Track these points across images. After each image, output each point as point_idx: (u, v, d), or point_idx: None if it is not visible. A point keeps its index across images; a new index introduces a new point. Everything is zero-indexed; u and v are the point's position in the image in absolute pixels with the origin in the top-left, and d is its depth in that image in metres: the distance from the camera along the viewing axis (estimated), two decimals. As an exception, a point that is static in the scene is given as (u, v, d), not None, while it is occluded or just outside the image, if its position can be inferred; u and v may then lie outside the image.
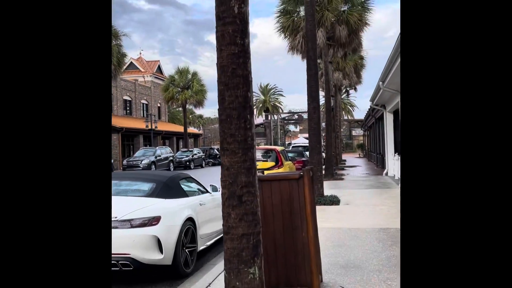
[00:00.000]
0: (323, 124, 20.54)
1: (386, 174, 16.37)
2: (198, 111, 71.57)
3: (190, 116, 68.43)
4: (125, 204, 4.42)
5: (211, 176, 11.66)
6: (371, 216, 7.46)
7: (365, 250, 5.09)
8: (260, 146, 15.52)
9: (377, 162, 22.90)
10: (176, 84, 34.81)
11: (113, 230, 3.71)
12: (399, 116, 12.23)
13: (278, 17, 15.35)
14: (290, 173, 3.67)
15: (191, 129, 52.95)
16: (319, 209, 8.72)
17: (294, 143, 29.78)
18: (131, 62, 38.90)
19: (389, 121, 16.17)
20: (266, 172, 10.75)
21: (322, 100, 18.72)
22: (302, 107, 53.37)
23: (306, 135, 17.31)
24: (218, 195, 5.22)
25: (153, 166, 23.88)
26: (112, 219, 3.90)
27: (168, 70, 50.22)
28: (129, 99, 34.87)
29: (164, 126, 38.63)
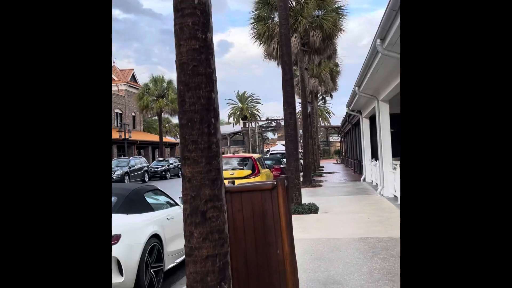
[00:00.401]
0: (301, 131, 20.37)
1: (364, 180, 16.26)
2: (174, 120, 70.75)
3: (167, 125, 67.38)
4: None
5: None
6: (350, 225, 7.19)
7: (345, 263, 4.77)
8: (236, 154, 15.15)
9: (355, 168, 22.87)
10: (151, 92, 34.11)
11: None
12: (375, 121, 12.12)
13: (252, 23, 15.11)
14: (263, 183, 3.32)
15: (168, 138, 52.06)
16: (297, 218, 8.44)
17: (272, 150, 29.54)
18: (104, 70, 37.81)
19: (365, 126, 16.11)
20: (238, 182, 10.41)
21: (299, 107, 18.56)
22: (280, 114, 53.33)
23: (283, 142, 17.03)
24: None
25: (126, 177, 23.08)
26: None
27: (144, 79, 49.16)
28: (102, 108, 33.78)
29: (139, 135, 37.75)
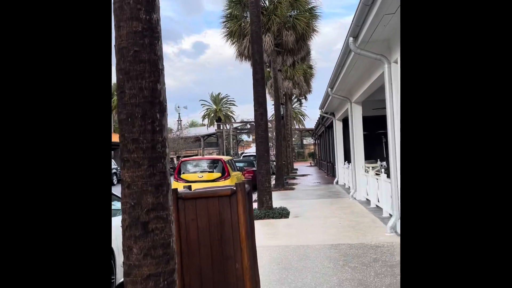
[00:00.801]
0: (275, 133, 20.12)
1: (337, 182, 16.15)
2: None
3: (139, 126, 65.87)
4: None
5: None
6: (321, 230, 6.91)
7: (314, 273, 4.46)
8: (205, 156, 14.73)
9: (328, 171, 22.83)
10: (121, 92, 33.08)
11: None
12: (348, 124, 11.98)
13: (224, 22, 14.75)
14: (220, 188, 2.95)
15: (139, 140, 50.80)
16: (267, 223, 8.11)
17: (246, 153, 29.19)
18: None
19: (338, 129, 16.02)
20: (207, 185, 9.99)
21: (272, 109, 18.30)
22: (254, 116, 52.99)
23: None
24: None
25: (93, 180, 22.03)
26: None
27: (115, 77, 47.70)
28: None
29: (109, 136, 36.45)
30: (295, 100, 36.75)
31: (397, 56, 6.06)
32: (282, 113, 17.63)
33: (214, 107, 59.01)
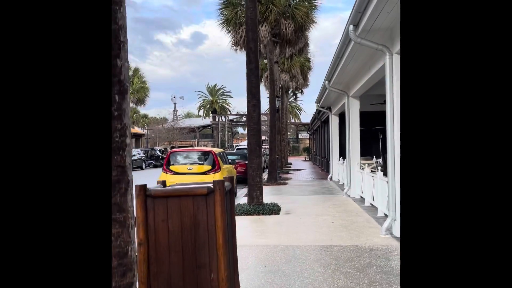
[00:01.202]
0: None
1: (331, 178, 15.83)
2: (143, 110, 68.51)
3: (134, 116, 65.18)
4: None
5: (150, 178, 10.30)
6: (313, 229, 6.56)
7: (303, 278, 4.11)
8: (196, 148, 14.32)
9: (322, 166, 22.51)
10: (115, 80, 32.53)
11: None
12: (344, 119, 11.61)
13: (221, 9, 14.25)
14: (196, 186, 2.56)
15: (133, 129, 50.29)
16: (256, 219, 7.75)
17: (240, 145, 28.76)
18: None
19: (334, 124, 15.65)
20: (196, 178, 9.61)
21: (266, 101, 17.88)
22: (250, 109, 52.53)
23: None
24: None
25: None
26: None
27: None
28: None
29: (102, 124, 36.04)
30: (291, 94, 36.30)
31: (399, 46, 5.67)
32: (277, 106, 17.21)
33: (210, 98, 58.46)
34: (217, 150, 10.88)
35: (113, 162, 1.86)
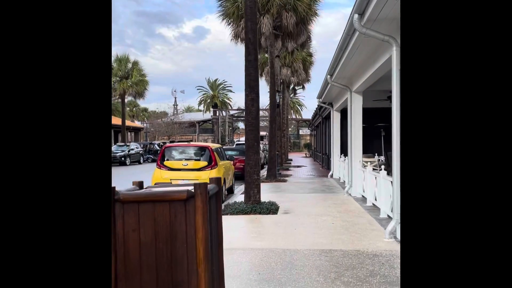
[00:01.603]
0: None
1: (331, 176, 15.47)
2: (142, 104, 68.02)
3: (134, 109, 64.75)
4: None
5: (147, 173, 9.91)
6: (312, 231, 6.20)
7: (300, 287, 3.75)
8: (191, 143, 13.95)
9: (323, 163, 22.15)
10: (114, 72, 32.05)
11: None
12: (346, 115, 11.22)
13: (220, 0, 13.82)
14: (174, 190, 2.19)
15: (133, 123, 49.89)
16: (253, 219, 7.37)
17: (240, 141, 28.35)
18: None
19: (336, 120, 15.26)
20: (192, 174, 9.25)
21: (267, 95, 17.46)
22: (251, 104, 52.02)
23: None
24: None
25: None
26: None
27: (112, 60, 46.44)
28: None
29: (101, 118, 35.60)
30: (292, 89, 35.84)
31: (408, 37, 5.27)
32: (278, 101, 16.82)
33: (211, 92, 57.98)
34: (214, 145, 10.51)
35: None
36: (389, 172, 7.74)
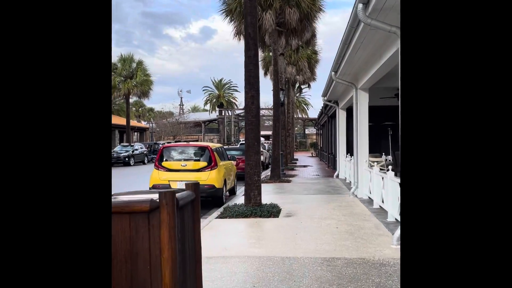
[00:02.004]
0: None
1: (337, 176, 15.05)
2: (149, 104, 68.00)
3: (140, 109, 64.69)
4: None
5: (150, 174, 9.59)
6: (314, 236, 5.82)
7: (298, 304, 3.37)
8: (191, 143, 13.61)
9: (329, 163, 21.72)
10: (118, 72, 31.89)
11: None
12: (352, 113, 10.82)
13: (223, -4, 13.47)
14: (135, 199, 1.83)
15: (138, 123, 49.77)
16: (253, 223, 6.98)
17: (244, 140, 28.02)
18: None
19: (341, 119, 14.83)
20: (191, 175, 8.88)
21: (270, 94, 17.08)
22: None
23: (262, 132, 15.44)
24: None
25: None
26: None
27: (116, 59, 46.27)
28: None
29: (106, 118, 35.50)
30: (297, 87, 35.38)
31: (416, 28, 4.87)
32: (282, 99, 16.43)
33: (217, 92, 57.71)
34: (214, 145, 10.16)
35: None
36: (397, 173, 7.32)
